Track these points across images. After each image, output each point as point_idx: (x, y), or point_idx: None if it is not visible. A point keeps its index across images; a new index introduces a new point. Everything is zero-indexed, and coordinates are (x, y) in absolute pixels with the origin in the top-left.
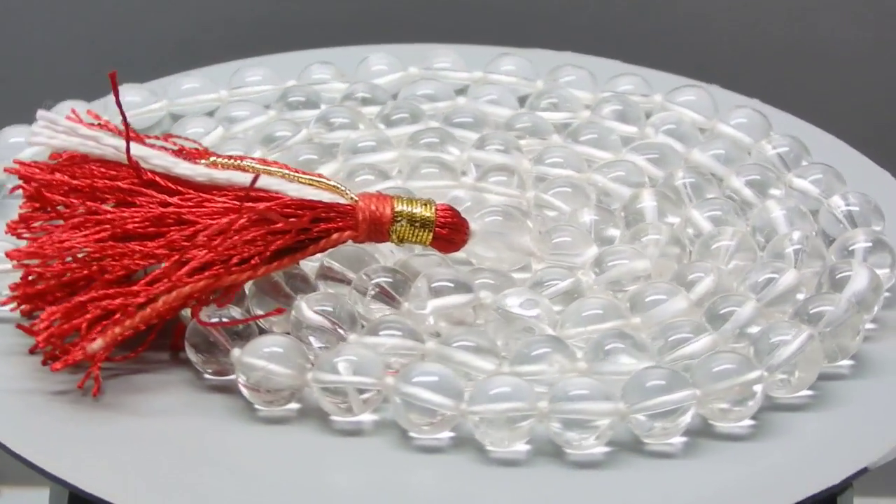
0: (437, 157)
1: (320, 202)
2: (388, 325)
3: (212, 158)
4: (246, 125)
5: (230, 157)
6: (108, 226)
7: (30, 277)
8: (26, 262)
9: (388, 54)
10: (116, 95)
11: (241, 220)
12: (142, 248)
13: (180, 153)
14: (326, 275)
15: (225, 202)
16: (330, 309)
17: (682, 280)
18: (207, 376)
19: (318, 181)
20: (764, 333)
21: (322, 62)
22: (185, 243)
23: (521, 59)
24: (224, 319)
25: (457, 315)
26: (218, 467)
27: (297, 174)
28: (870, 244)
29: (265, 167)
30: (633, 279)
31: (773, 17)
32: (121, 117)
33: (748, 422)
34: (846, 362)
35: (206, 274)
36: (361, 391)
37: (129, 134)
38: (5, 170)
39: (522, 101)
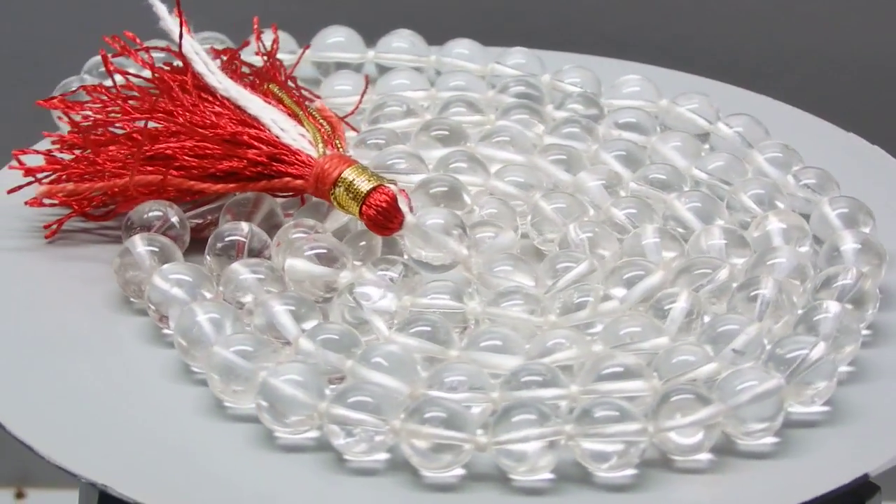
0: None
1: (287, 146)
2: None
3: (268, 85)
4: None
5: (282, 86)
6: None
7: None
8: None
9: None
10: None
11: (207, 133)
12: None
13: (231, 69)
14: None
15: (215, 118)
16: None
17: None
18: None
19: (316, 129)
20: None
21: None
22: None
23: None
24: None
25: (309, 284)
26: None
27: (304, 113)
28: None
29: (277, 99)
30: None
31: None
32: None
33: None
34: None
35: (152, 168)
36: None
37: (182, 29)
38: (37, 103)
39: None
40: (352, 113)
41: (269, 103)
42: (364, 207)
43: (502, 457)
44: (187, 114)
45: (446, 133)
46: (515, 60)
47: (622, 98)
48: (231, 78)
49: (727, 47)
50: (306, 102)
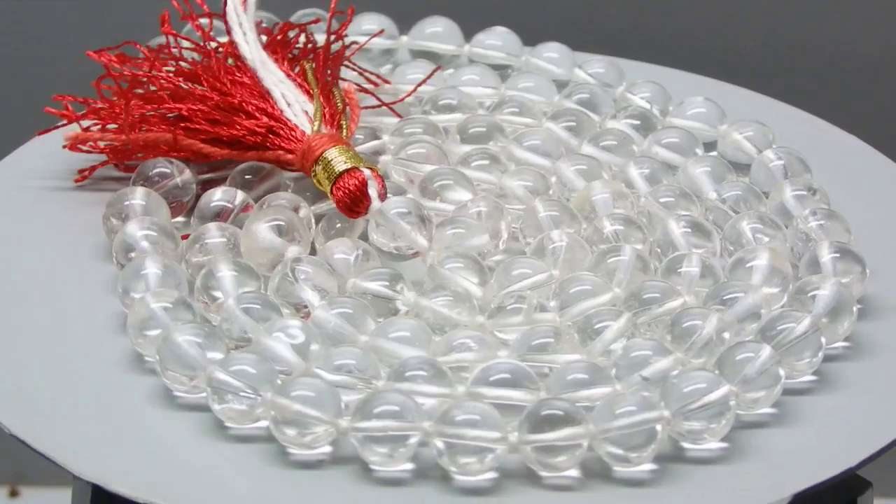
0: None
1: (286, 121)
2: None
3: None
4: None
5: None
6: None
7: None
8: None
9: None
10: None
11: (217, 99)
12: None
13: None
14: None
15: (230, 86)
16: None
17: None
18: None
19: (322, 108)
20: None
21: None
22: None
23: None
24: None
25: (258, 252)
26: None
27: (318, 92)
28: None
29: (301, 72)
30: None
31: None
32: None
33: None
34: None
35: (164, 127)
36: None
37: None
38: (87, 54)
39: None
40: (401, 100)
41: (292, 79)
42: (333, 188)
43: (357, 443)
44: (211, 80)
45: (482, 130)
46: (595, 69)
47: (685, 118)
48: (276, 51)
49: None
50: (340, 84)
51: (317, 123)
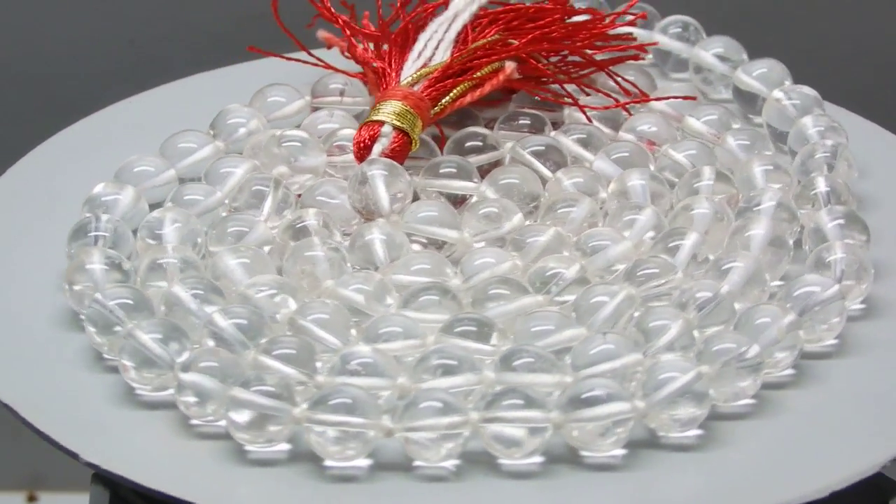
0: None
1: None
2: None
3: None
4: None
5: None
6: None
7: None
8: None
9: None
10: None
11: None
12: None
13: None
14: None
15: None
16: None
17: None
18: None
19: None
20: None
21: None
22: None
23: None
24: None
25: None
26: None
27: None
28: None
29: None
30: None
31: None
32: None
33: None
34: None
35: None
36: None
37: None
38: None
39: None
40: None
41: (459, 41)
42: (358, 129)
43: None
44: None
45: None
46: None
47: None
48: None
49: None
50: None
51: (410, 78)
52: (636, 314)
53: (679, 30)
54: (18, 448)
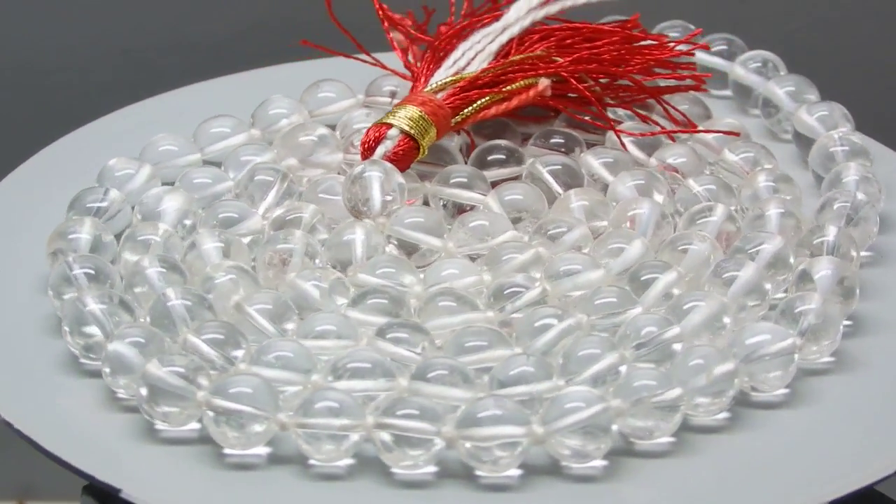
0: None
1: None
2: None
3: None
4: None
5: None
6: None
7: None
8: None
9: None
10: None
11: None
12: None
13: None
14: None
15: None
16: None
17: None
18: None
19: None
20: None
21: None
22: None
23: None
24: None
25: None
26: None
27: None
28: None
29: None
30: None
31: None
32: None
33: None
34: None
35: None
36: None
37: None
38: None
39: None
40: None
41: (500, 56)
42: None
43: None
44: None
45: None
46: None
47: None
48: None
49: None
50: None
51: (435, 85)
52: (570, 342)
53: (758, 65)
54: (8, 458)
